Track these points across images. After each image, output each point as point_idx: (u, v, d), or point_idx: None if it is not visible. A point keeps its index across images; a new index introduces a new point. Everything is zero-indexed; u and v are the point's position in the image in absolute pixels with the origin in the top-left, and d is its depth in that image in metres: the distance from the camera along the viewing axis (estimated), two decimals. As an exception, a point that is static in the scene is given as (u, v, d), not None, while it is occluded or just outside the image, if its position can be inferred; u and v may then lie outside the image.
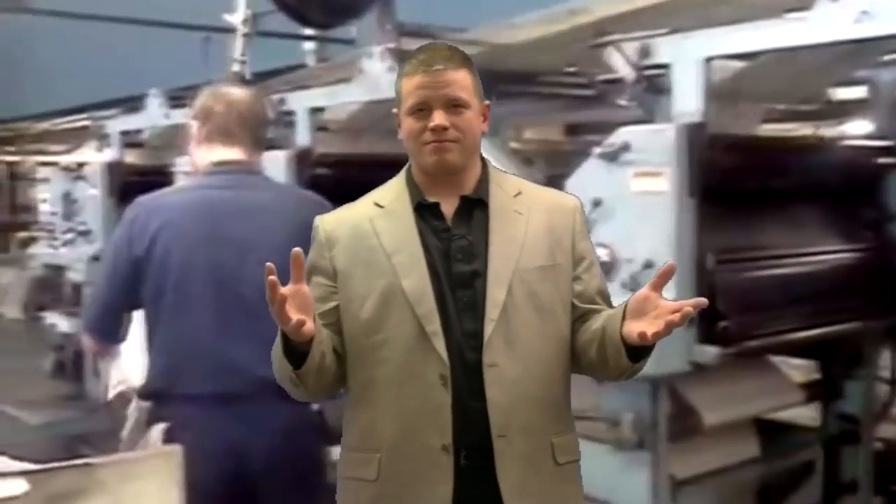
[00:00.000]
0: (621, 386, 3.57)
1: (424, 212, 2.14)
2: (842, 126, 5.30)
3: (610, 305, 2.25)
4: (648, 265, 3.41)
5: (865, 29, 3.04)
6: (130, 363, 3.13)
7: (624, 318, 2.01)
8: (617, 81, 4.05)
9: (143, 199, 3.05)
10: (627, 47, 3.62)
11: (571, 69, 4.96)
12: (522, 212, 2.14)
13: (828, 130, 5.24)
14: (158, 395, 2.96)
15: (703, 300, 1.98)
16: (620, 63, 3.63)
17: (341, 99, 5.02)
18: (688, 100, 3.48)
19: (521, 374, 2.09)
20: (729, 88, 3.70)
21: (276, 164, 5.10)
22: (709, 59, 3.43)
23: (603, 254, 3.52)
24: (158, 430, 2.90)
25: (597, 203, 3.53)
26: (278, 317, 1.90)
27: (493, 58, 4.55)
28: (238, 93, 3.21)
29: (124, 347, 3.12)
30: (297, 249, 1.96)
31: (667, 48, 3.53)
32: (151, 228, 2.93)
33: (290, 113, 5.25)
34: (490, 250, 2.10)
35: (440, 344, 2.06)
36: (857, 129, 4.65)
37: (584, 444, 3.73)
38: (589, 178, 3.58)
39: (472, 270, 2.10)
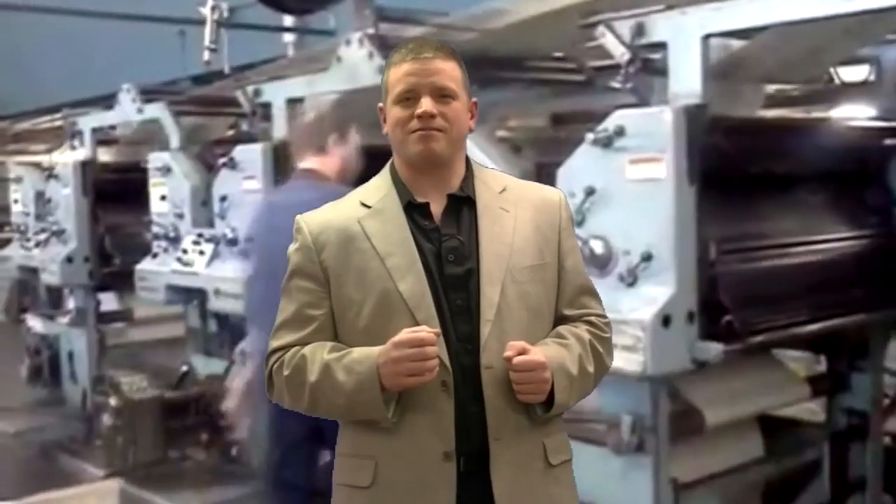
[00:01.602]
0: (620, 386, 3.40)
1: (413, 211, 2.07)
2: (838, 110, 5.10)
3: (596, 299, 2.23)
4: (647, 257, 3.21)
5: (873, 0, 2.84)
6: None
7: None
8: (609, 67, 3.86)
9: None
10: (620, 26, 3.41)
11: (560, 55, 4.77)
12: (509, 209, 2.09)
13: (826, 113, 5.03)
14: None
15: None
16: (613, 43, 3.42)
17: (319, 88, 4.78)
18: (686, 80, 3.27)
19: None
20: (728, 68, 3.50)
21: (251, 158, 4.92)
22: (708, 36, 3.23)
23: (598, 246, 3.33)
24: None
25: (590, 192, 3.33)
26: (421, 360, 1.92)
27: (478, 43, 4.36)
28: (305, 116, 4.05)
29: None
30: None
31: (663, 26, 3.33)
32: (252, 220, 4.03)
33: (268, 105, 5.02)
34: (481, 250, 2.04)
35: (442, 350, 1.98)
36: (856, 113, 4.46)
37: (584, 447, 3.62)
38: (581, 165, 3.38)
39: (465, 271, 2.04)
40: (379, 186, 2.11)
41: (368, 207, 2.07)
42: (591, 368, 2.09)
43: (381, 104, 2.10)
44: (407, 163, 2.07)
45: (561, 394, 2.01)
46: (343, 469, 2.12)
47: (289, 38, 9.37)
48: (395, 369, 1.92)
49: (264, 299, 3.44)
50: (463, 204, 2.08)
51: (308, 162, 3.79)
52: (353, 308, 2.03)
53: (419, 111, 1.99)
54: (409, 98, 2.01)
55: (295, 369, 2.02)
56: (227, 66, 9.74)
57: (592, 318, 2.15)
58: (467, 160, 2.14)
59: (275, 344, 2.09)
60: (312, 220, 2.10)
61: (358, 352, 1.99)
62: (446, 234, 2.05)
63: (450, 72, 2.03)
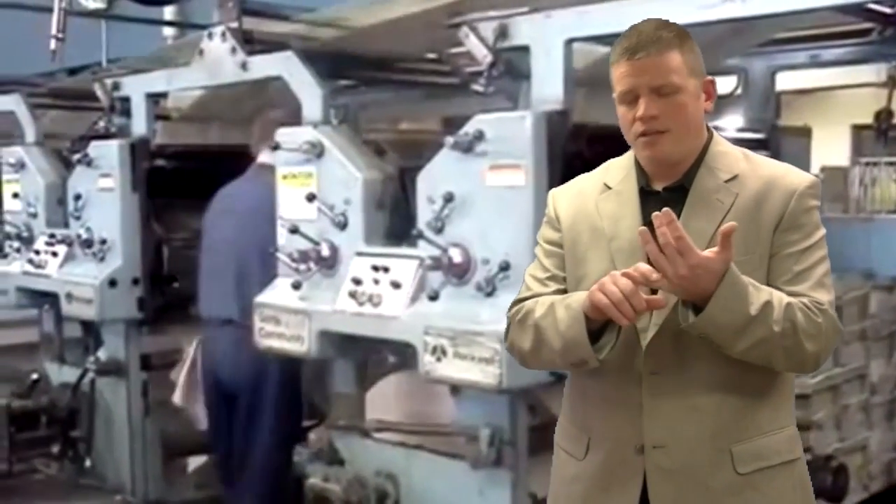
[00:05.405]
0: (478, 398, 3.30)
1: (647, 197, 2.05)
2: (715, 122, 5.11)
3: (819, 291, 1.96)
4: (505, 267, 3.11)
5: (738, 9, 2.80)
6: None
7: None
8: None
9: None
10: (484, 28, 3.30)
11: (433, 56, 4.66)
12: (724, 200, 1.98)
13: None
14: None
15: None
16: (476, 45, 3.31)
17: (180, 84, 4.58)
18: (549, 85, 3.19)
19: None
20: (596, 75, 3.43)
21: (108, 155, 4.68)
22: (570, 41, 3.15)
23: (456, 254, 3.23)
24: (196, 340, 4.44)
25: (449, 198, 3.22)
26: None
27: (345, 41, 4.22)
28: (273, 112, 4.30)
29: None
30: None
31: (526, 29, 3.23)
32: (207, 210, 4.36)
33: (127, 99, 4.78)
34: None
35: (646, 342, 1.97)
36: (725, 124, 4.47)
37: (441, 461, 3.53)
38: (440, 170, 3.27)
39: None
40: (622, 167, 2.11)
41: (609, 188, 2.09)
42: (776, 328, 1.85)
43: (614, 95, 2.05)
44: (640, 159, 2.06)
45: (712, 314, 1.82)
46: (563, 433, 2.18)
47: (169, 31, 9.06)
48: (602, 287, 1.85)
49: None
50: (680, 194, 2.02)
51: (269, 156, 4.08)
52: (575, 281, 2.07)
53: (638, 115, 1.95)
54: (630, 100, 1.97)
55: (526, 313, 2.06)
56: (104, 59, 9.35)
57: (805, 300, 1.92)
58: (709, 141, 2.05)
59: (519, 297, 2.14)
60: (559, 195, 2.18)
61: (579, 294, 1.97)
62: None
63: (668, 65, 1.94)
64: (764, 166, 2.04)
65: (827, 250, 2.01)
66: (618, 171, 2.12)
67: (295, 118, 3.98)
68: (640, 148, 2.00)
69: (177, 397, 4.50)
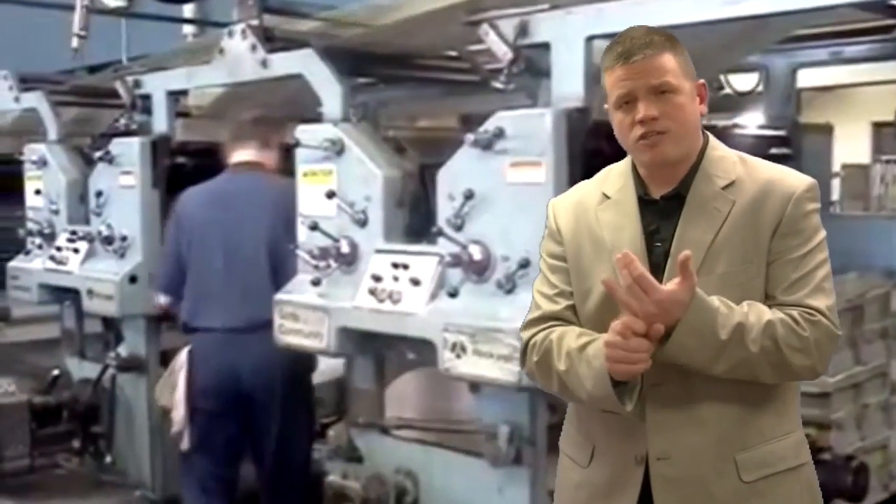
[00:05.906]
0: (498, 396, 3.30)
1: (646, 206, 2.04)
2: (728, 118, 5.11)
3: (816, 296, 1.96)
4: (524, 264, 3.11)
5: (759, 5, 2.78)
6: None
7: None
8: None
9: (189, 189, 4.11)
10: (504, 25, 3.30)
11: (453, 54, 4.66)
12: (722, 208, 1.97)
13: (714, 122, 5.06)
14: (186, 328, 4.07)
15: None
16: (496, 42, 3.31)
17: (201, 81, 4.60)
18: (569, 82, 3.17)
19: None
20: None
21: (129, 152, 4.71)
22: (591, 38, 3.14)
23: (476, 251, 3.23)
24: (185, 350, 4.02)
25: (469, 195, 3.22)
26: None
27: (366, 39, 4.23)
28: (249, 111, 4.26)
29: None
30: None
31: (546, 26, 3.23)
32: (186, 210, 4.05)
33: (148, 97, 4.81)
34: (670, 257, 1.98)
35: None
36: (747, 121, 4.45)
37: (460, 458, 3.53)
38: (461, 167, 3.27)
39: (659, 279, 1.96)
40: (620, 175, 2.10)
41: (608, 198, 2.07)
42: (753, 348, 1.87)
43: (606, 106, 2.05)
44: (640, 165, 2.05)
45: (680, 341, 1.85)
46: (568, 440, 2.19)
47: (188, 29, 9.13)
48: (611, 354, 1.89)
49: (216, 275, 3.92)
50: (678, 202, 2.01)
51: (248, 154, 4.07)
52: (582, 296, 2.07)
53: (638, 117, 1.94)
54: (627, 102, 1.96)
55: (544, 354, 2.05)
56: (125, 57, 9.42)
57: (795, 312, 1.93)
58: (705, 146, 2.04)
59: (531, 317, 2.14)
60: (559, 206, 2.17)
61: (596, 345, 1.95)
62: (657, 236, 2.02)
63: (664, 65, 1.95)
64: (761, 170, 2.03)
65: (828, 252, 1.99)
66: (616, 178, 2.11)
67: (276, 116, 4.11)
68: (641, 151, 1.98)
69: (177, 417, 3.98)
